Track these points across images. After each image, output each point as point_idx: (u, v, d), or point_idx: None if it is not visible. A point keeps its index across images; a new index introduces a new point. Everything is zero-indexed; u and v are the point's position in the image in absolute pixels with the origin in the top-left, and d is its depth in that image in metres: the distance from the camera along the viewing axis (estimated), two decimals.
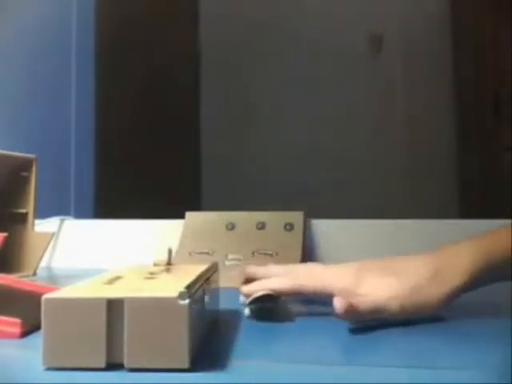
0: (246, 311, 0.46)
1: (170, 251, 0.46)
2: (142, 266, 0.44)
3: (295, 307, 0.51)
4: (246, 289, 0.47)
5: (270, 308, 0.46)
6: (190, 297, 0.30)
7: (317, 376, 0.30)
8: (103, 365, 0.30)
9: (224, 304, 0.47)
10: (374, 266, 0.47)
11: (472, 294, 0.45)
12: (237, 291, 0.49)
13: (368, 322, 0.42)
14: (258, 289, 0.46)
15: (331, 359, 0.34)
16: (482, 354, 0.35)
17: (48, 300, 0.30)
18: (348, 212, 0.90)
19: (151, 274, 0.40)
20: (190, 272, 0.39)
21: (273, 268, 0.51)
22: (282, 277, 0.48)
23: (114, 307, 0.30)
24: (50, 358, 0.30)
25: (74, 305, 0.30)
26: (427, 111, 1.90)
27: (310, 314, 0.49)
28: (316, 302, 0.49)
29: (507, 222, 0.68)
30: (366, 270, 0.46)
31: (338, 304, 0.39)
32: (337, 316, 0.40)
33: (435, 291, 0.43)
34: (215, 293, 0.46)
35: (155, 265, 0.45)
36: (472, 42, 1.84)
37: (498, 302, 0.52)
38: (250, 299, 0.45)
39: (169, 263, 0.46)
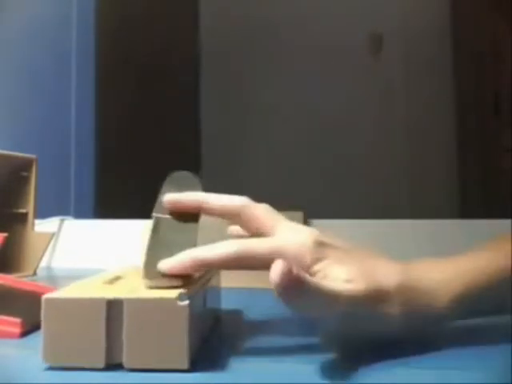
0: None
1: None
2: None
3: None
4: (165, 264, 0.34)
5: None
6: (189, 298, 0.30)
7: (317, 376, 0.30)
8: (102, 365, 0.30)
9: (224, 304, 0.47)
10: (341, 250, 0.37)
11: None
12: (237, 291, 0.48)
13: (308, 312, 0.33)
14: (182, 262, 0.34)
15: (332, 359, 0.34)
16: (482, 355, 0.34)
17: (48, 300, 0.30)
18: (348, 212, 0.91)
19: None
20: None
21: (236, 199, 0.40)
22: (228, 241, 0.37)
23: (113, 308, 0.30)
24: (49, 358, 0.30)
25: (74, 305, 0.30)
26: (427, 111, 1.90)
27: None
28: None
29: (507, 221, 0.68)
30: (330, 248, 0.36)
31: (276, 268, 0.28)
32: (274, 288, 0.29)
33: (390, 308, 0.34)
34: (216, 293, 0.46)
35: None
36: (472, 42, 1.84)
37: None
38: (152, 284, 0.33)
39: None
